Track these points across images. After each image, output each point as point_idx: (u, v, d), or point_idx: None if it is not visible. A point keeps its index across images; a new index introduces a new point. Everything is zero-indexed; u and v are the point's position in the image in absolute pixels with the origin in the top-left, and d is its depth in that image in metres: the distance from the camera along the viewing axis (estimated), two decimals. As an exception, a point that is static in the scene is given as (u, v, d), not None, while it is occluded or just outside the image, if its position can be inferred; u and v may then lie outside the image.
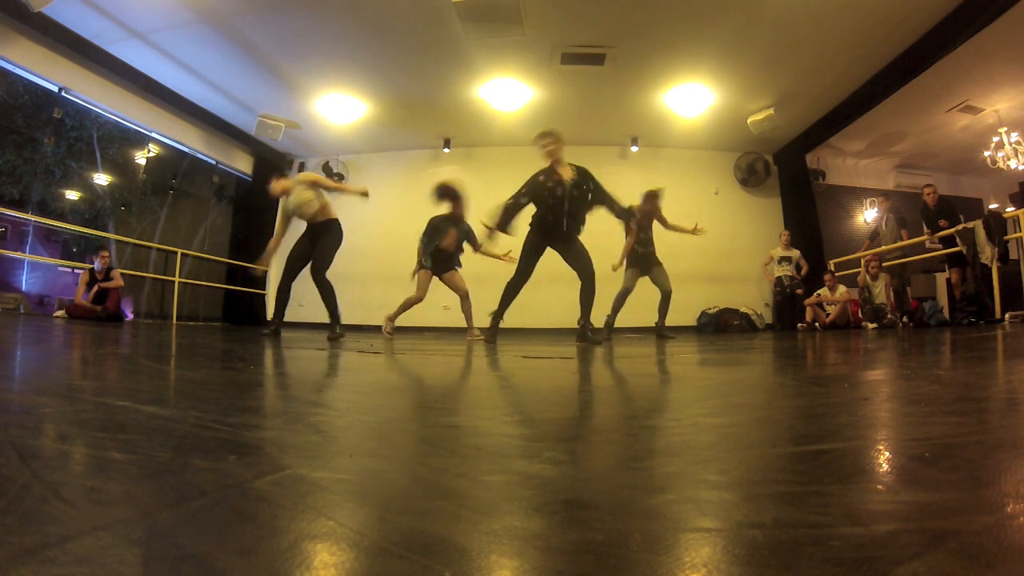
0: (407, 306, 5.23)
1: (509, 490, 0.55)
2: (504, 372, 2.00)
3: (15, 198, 12.52)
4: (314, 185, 4.31)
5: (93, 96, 6.42)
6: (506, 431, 0.90)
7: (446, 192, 5.13)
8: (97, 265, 6.47)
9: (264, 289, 9.18)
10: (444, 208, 5.17)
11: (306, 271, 4.21)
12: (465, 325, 5.28)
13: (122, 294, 6.50)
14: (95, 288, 6.38)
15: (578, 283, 3.96)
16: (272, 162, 9.26)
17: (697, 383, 1.70)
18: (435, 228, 5.16)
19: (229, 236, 9.63)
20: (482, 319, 5.34)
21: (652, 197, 5.36)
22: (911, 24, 5.43)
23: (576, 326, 3.98)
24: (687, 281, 5.65)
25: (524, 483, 0.57)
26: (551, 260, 4.03)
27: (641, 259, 5.32)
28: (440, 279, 5.23)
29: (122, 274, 6.71)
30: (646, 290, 5.63)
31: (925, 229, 6.91)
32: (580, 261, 3.93)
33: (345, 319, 4.35)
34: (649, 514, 0.47)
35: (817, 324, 7.04)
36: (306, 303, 8.87)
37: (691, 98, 7.14)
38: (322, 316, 4.32)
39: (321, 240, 4.23)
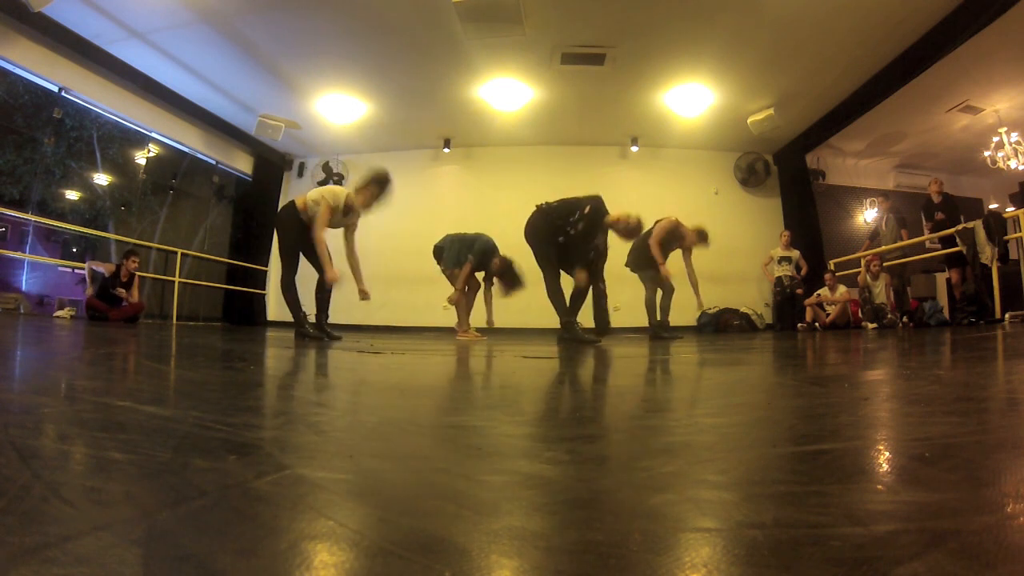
0: (468, 307, 5.23)
1: (509, 490, 0.55)
2: (503, 372, 2.00)
3: (15, 198, 12.50)
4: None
5: (93, 96, 6.42)
6: (506, 431, 0.89)
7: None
8: (127, 266, 6.27)
9: (265, 289, 9.18)
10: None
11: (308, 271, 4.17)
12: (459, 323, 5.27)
13: (127, 297, 6.35)
14: (117, 289, 6.20)
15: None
16: (272, 162, 9.26)
17: (697, 383, 1.70)
18: (489, 254, 5.17)
19: (229, 236, 9.62)
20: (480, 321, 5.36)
21: (703, 236, 5.48)
22: (911, 24, 5.43)
23: (561, 325, 4.02)
24: (687, 281, 5.66)
25: (524, 483, 0.57)
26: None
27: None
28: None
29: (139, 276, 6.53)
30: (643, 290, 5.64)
31: (924, 222, 6.96)
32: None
33: (344, 319, 4.34)
34: (649, 514, 0.47)
35: (817, 324, 7.03)
36: (305, 303, 8.92)
37: (691, 98, 7.14)
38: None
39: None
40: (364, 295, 4.21)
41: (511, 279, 5.08)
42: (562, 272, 4.13)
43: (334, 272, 3.95)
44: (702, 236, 5.44)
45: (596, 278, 4.23)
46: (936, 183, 6.92)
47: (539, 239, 4.09)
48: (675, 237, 5.43)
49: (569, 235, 3.95)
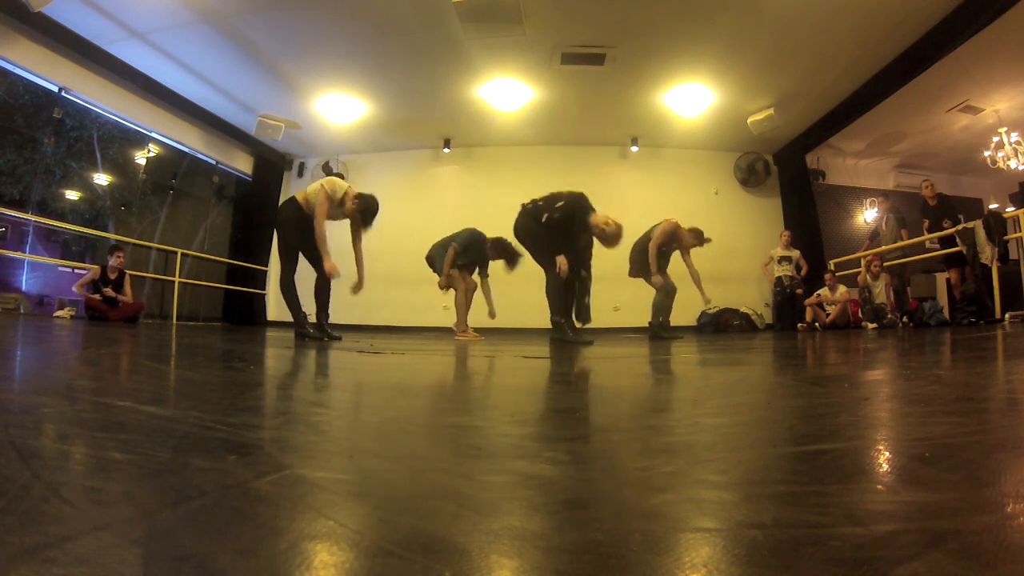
0: (467, 304, 5.19)
1: (509, 490, 0.55)
2: (503, 372, 2.00)
3: (15, 198, 12.50)
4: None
5: (93, 96, 6.41)
6: (506, 431, 0.89)
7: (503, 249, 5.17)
8: (112, 262, 6.09)
9: (265, 289, 9.18)
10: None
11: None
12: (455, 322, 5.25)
13: (118, 297, 6.17)
14: (102, 290, 5.97)
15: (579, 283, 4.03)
16: (272, 162, 9.26)
17: (697, 383, 1.70)
18: (478, 244, 5.16)
19: (229, 236, 9.62)
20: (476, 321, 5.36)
21: (699, 237, 5.55)
22: (911, 24, 5.43)
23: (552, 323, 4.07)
24: (687, 281, 5.67)
25: (524, 483, 0.57)
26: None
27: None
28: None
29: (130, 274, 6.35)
30: (646, 290, 5.64)
31: (923, 222, 6.97)
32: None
33: (345, 319, 4.33)
34: (649, 514, 0.47)
35: (817, 324, 7.03)
36: (305, 303, 8.92)
37: (691, 98, 7.14)
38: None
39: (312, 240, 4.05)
40: (358, 287, 4.21)
41: (510, 255, 5.09)
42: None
43: (332, 264, 3.92)
44: (699, 237, 5.53)
45: (581, 266, 4.24)
46: (928, 187, 6.89)
47: (529, 236, 4.19)
48: (674, 239, 5.48)
49: (543, 223, 4.04)
